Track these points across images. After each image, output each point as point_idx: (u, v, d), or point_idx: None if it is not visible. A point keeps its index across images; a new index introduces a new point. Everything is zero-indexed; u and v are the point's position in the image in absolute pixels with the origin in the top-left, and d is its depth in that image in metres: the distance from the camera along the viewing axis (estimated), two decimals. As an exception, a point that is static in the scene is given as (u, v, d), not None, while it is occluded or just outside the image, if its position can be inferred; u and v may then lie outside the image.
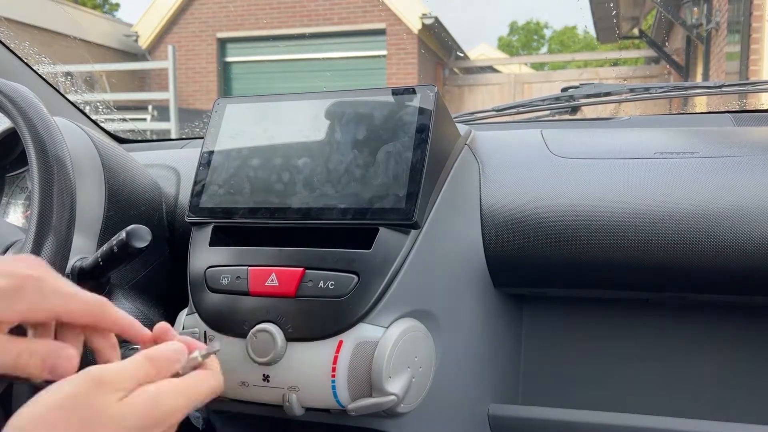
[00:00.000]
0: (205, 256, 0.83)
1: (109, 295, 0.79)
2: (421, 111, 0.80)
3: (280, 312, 0.76)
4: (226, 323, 0.79)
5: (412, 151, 0.78)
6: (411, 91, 0.82)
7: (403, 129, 0.80)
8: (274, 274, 0.78)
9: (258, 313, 0.77)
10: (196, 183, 0.87)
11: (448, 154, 0.85)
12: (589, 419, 0.92)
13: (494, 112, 1.29)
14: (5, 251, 0.75)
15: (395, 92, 0.83)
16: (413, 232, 0.77)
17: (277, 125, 0.88)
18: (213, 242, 0.84)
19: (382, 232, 0.77)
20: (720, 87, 1.19)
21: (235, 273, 0.80)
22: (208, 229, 0.85)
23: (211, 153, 0.88)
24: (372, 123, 0.82)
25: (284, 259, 0.79)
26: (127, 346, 0.78)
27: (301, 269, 0.77)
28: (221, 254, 0.83)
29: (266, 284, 0.78)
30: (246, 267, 0.80)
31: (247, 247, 0.82)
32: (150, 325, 0.82)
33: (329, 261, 0.77)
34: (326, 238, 0.80)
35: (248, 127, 0.89)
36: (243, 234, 0.85)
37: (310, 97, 0.87)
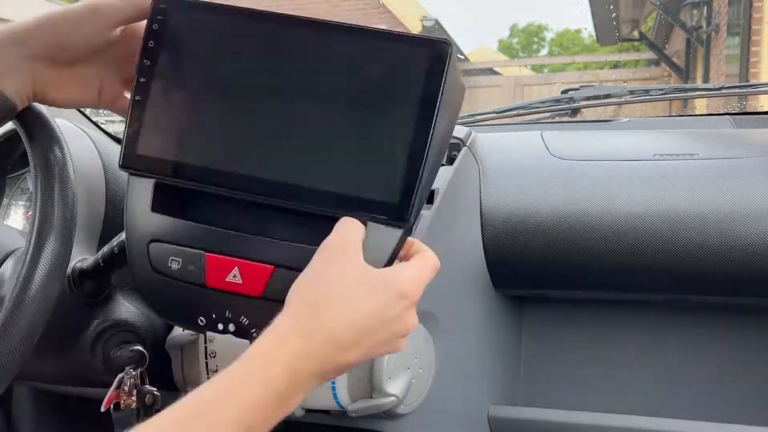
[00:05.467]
0: (145, 223, 0.64)
1: (109, 296, 0.79)
2: (430, 75, 0.58)
3: (243, 312, 0.62)
4: (179, 315, 0.66)
5: (413, 128, 0.59)
6: (423, 42, 0.59)
7: (405, 94, 0.59)
8: (237, 268, 0.62)
9: (216, 311, 0.63)
10: (131, 121, 0.64)
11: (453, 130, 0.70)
12: (589, 421, 0.92)
13: (494, 114, 1.29)
14: (5, 259, 0.75)
15: (401, 40, 0.60)
16: (408, 230, 0.62)
17: (242, 54, 0.63)
18: (156, 207, 0.64)
19: (371, 227, 0.59)
20: (720, 89, 1.20)
21: (188, 258, 0.63)
22: (149, 187, 0.64)
23: (150, 80, 0.62)
24: (367, 76, 0.60)
25: (250, 249, 0.62)
26: (127, 347, 0.79)
27: (270, 267, 0.61)
28: (167, 225, 0.64)
29: (227, 279, 0.62)
30: (201, 252, 0.63)
31: (201, 225, 0.64)
32: (151, 326, 0.82)
33: (305, 260, 0.58)
34: (301, 221, 0.63)
35: (202, 50, 0.63)
36: (195, 201, 0.66)
37: (291, 24, 0.61)
